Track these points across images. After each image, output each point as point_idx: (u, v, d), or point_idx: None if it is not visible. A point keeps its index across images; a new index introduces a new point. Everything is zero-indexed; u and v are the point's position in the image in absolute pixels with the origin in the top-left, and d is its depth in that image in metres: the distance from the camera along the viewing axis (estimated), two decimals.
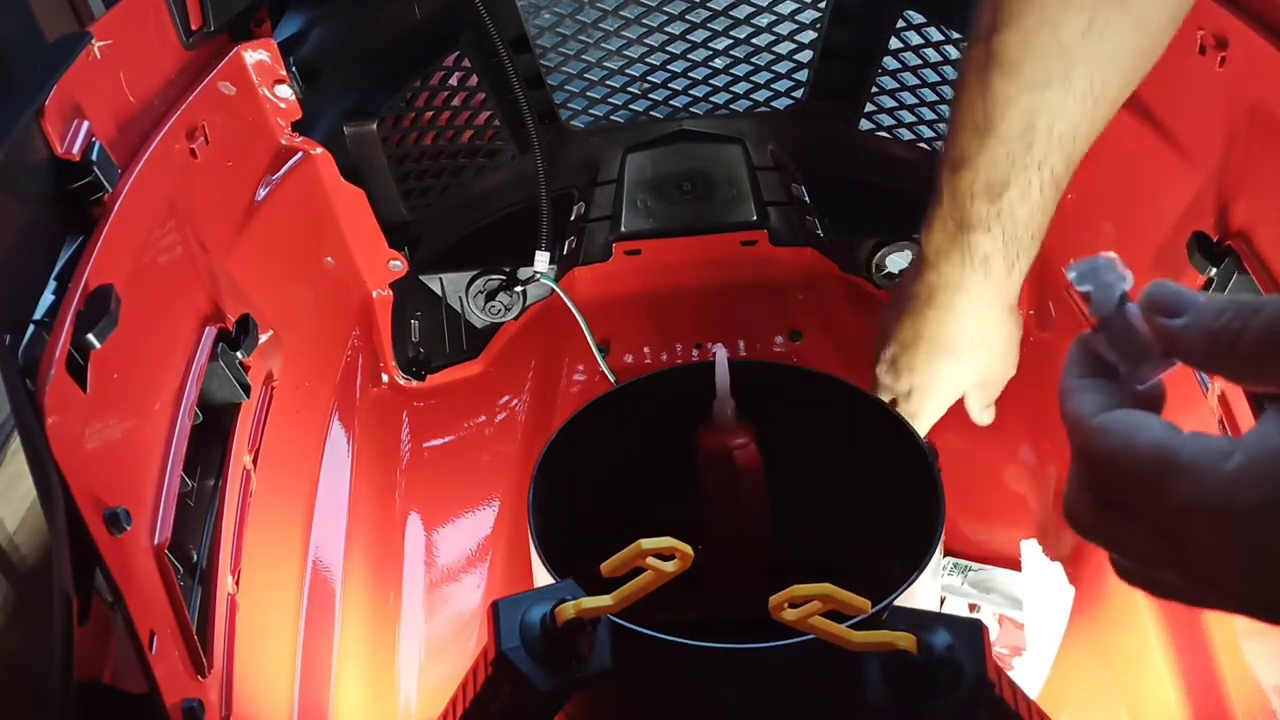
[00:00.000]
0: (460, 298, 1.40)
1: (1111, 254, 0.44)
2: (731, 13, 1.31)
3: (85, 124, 0.78)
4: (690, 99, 1.38)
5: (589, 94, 1.36)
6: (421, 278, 1.36)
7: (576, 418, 1.14)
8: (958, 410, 1.36)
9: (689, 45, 1.33)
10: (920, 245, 0.94)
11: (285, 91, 1.12)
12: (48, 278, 0.70)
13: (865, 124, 1.37)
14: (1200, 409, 0.92)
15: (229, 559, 0.86)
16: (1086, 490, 0.41)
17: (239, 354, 0.94)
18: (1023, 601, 1.12)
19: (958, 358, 0.99)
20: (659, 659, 0.84)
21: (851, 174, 1.40)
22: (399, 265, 1.31)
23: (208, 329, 0.91)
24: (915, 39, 1.32)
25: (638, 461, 1.13)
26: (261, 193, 1.10)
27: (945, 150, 0.88)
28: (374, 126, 1.22)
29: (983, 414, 1.07)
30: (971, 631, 0.73)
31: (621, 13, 1.30)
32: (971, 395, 1.05)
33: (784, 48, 1.35)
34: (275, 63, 1.10)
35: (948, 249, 0.91)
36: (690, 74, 1.36)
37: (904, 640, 0.71)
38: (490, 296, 1.39)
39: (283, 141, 1.16)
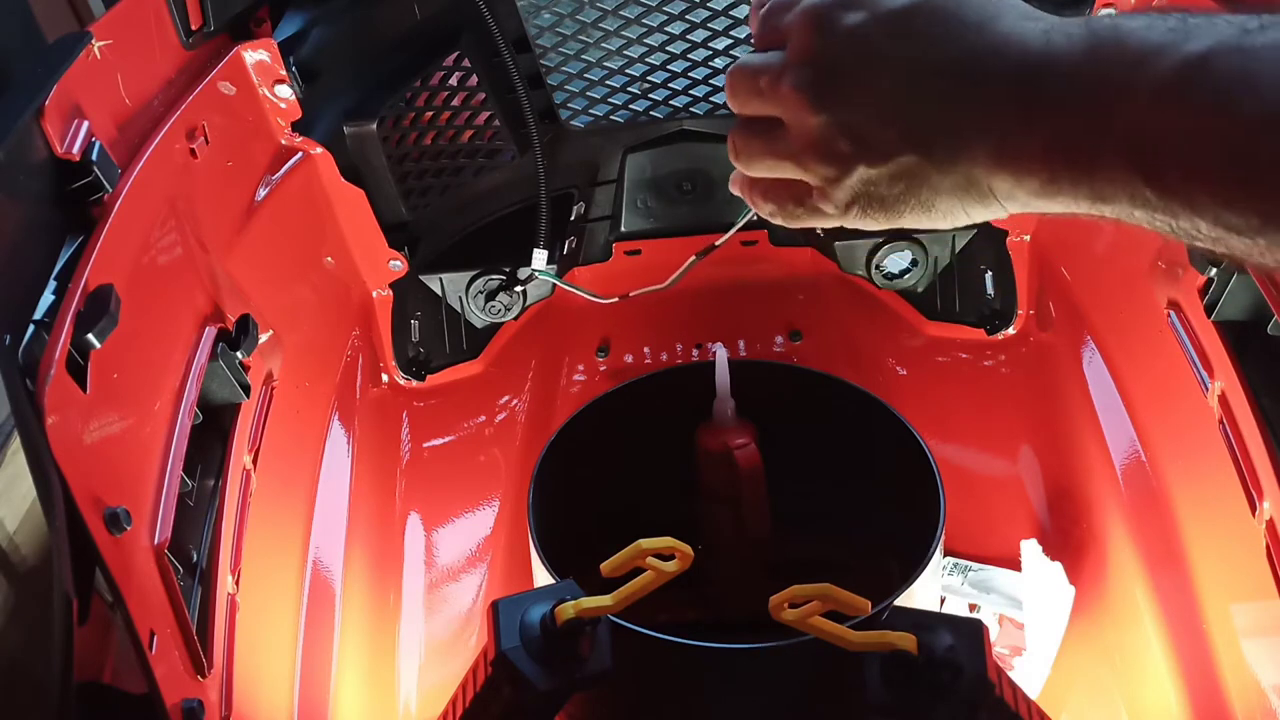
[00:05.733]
0: (460, 298, 1.40)
1: None
2: (731, 13, 1.30)
3: (85, 124, 0.78)
4: (690, 99, 1.37)
5: (589, 94, 1.36)
6: (421, 278, 1.36)
7: (576, 418, 1.14)
8: (958, 411, 1.36)
9: (689, 45, 1.33)
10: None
11: (285, 91, 1.12)
12: (48, 278, 0.70)
13: None
14: (1200, 409, 0.92)
15: (229, 559, 0.86)
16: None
17: (239, 354, 0.94)
18: (1023, 601, 1.12)
19: None
20: (659, 659, 0.84)
21: None
22: (399, 265, 1.31)
23: (208, 329, 0.91)
24: None
25: (638, 461, 1.13)
26: (261, 193, 1.10)
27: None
28: (374, 126, 1.22)
29: None
30: (971, 631, 0.73)
31: (621, 13, 1.30)
32: None
33: None
34: (275, 63, 1.10)
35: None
36: (690, 74, 1.35)
37: (904, 640, 0.71)
38: (490, 296, 1.39)
39: (283, 141, 1.16)
